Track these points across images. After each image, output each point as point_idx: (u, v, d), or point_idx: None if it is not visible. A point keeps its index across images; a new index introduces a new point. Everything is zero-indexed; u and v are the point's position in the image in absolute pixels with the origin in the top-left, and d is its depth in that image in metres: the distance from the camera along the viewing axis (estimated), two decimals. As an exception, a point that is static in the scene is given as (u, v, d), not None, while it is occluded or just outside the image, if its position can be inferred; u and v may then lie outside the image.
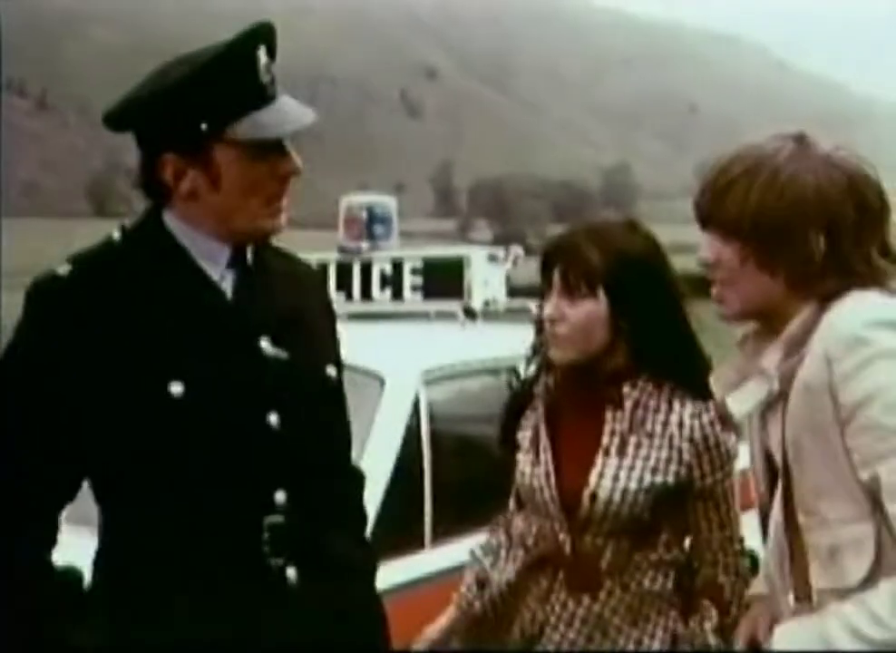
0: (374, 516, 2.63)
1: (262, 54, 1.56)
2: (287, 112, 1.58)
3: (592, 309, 1.89)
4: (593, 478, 1.88)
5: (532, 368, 2.07)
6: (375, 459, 2.72)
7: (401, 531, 2.72)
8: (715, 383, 1.60)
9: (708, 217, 1.52)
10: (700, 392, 1.87)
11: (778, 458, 1.51)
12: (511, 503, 2.13)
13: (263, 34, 1.57)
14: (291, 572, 1.56)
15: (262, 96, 1.55)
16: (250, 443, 1.55)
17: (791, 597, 1.50)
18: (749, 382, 1.54)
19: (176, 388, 1.50)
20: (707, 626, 1.91)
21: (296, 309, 1.67)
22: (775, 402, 1.50)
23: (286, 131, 1.57)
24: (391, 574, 2.50)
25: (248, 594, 1.53)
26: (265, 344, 1.59)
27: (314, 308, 1.74)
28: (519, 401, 2.07)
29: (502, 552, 2.07)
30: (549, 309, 1.91)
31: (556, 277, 1.91)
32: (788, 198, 1.45)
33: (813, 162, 1.47)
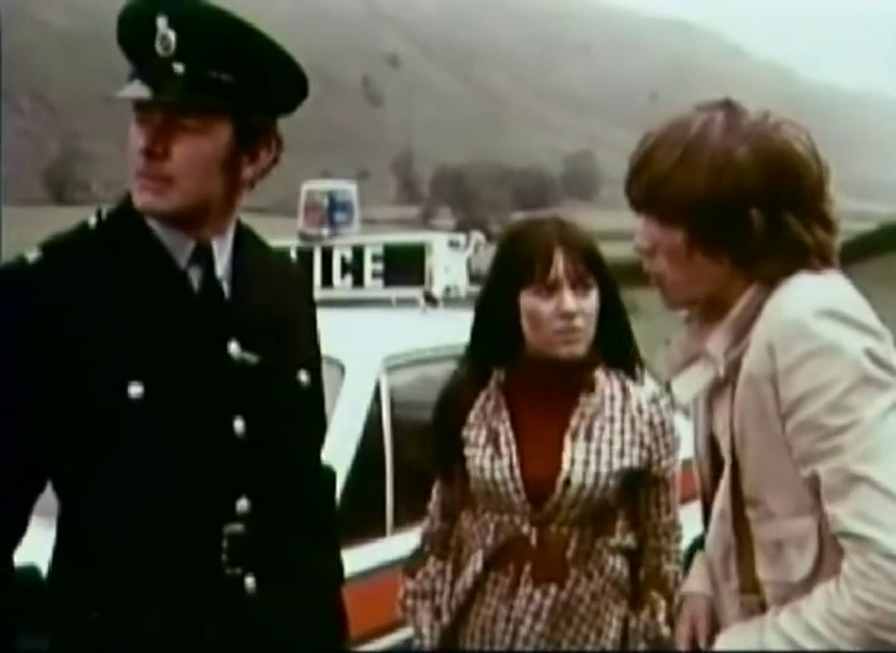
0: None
1: (162, 24, 1.46)
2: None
3: (595, 301, 1.91)
4: (566, 464, 1.88)
5: (468, 367, 2.02)
6: (337, 446, 2.71)
7: (362, 517, 2.72)
8: (663, 363, 1.55)
9: (645, 203, 1.45)
10: (635, 375, 1.98)
11: (724, 446, 1.47)
12: (437, 518, 2.08)
13: (162, 3, 1.47)
14: (249, 582, 1.53)
15: (150, 65, 1.47)
16: (213, 449, 1.51)
17: (735, 587, 1.48)
18: (694, 365, 1.49)
19: (135, 389, 1.46)
20: (660, 618, 1.94)
21: (273, 311, 1.61)
22: (723, 387, 1.46)
23: (122, 95, 1.48)
24: (352, 561, 2.49)
25: (204, 603, 1.50)
26: (234, 347, 1.53)
27: (293, 309, 1.68)
28: (462, 402, 2.00)
29: (447, 574, 2.03)
30: (569, 304, 1.87)
31: (564, 269, 1.87)
32: (726, 178, 1.39)
33: (744, 135, 1.40)
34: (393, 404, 2.94)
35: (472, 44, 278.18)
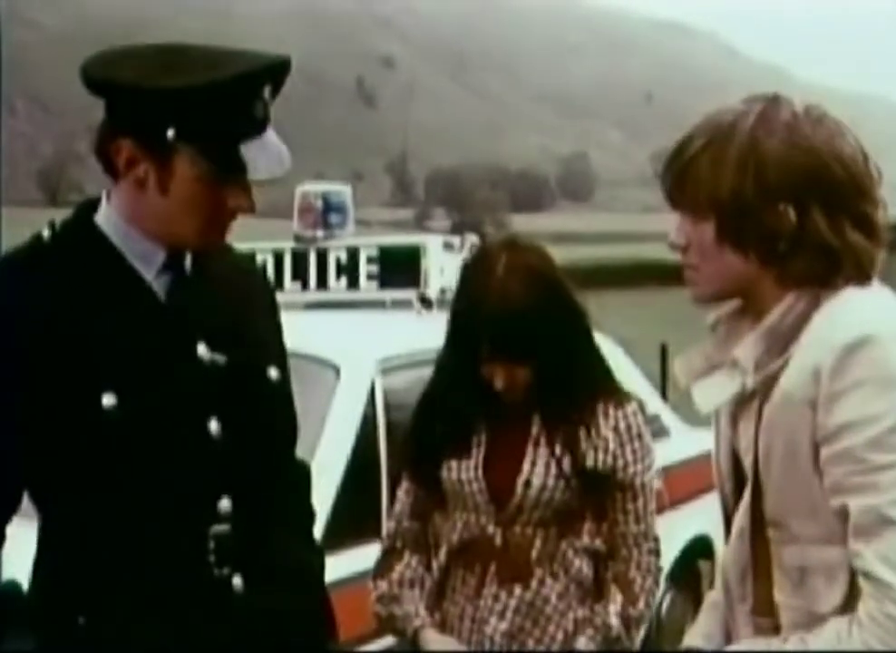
0: (330, 505, 2.63)
1: (266, 91, 1.49)
2: (262, 156, 1.50)
3: (533, 367, 1.92)
4: (526, 466, 1.92)
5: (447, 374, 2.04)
6: (331, 448, 2.72)
7: (357, 520, 2.72)
8: (680, 368, 1.46)
9: (676, 197, 1.40)
10: (618, 393, 2.00)
11: (747, 463, 1.41)
12: (405, 518, 2.07)
13: (276, 71, 1.50)
14: (237, 581, 1.53)
15: (246, 130, 1.48)
16: (191, 452, 1.51)
17: (749, 608, 1.43)
18: (718, 372, 1.41)
19: (108, 400, 1.45)
20: (611, 608, 1.93)
21: (236, 310, 1.61)
22: (749, 400, 1.39)
23: (252, 174, 1.49)
24: (347, 564, 2.50)
25: (193, 605, 1.50)
26: (202, 348, 1.53)
27: (256, 307, 1.69)
28: (447, 415, 2.01)
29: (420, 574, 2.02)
30: (500, 383, 1.92)
31: (490, 350, 1.89)
32: (751, 170, 1.33)
33: (775, 128, 1.34)
34: (387, 406, 2.94)
35: (466, 46, 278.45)
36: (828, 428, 1.29)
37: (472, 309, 1.93)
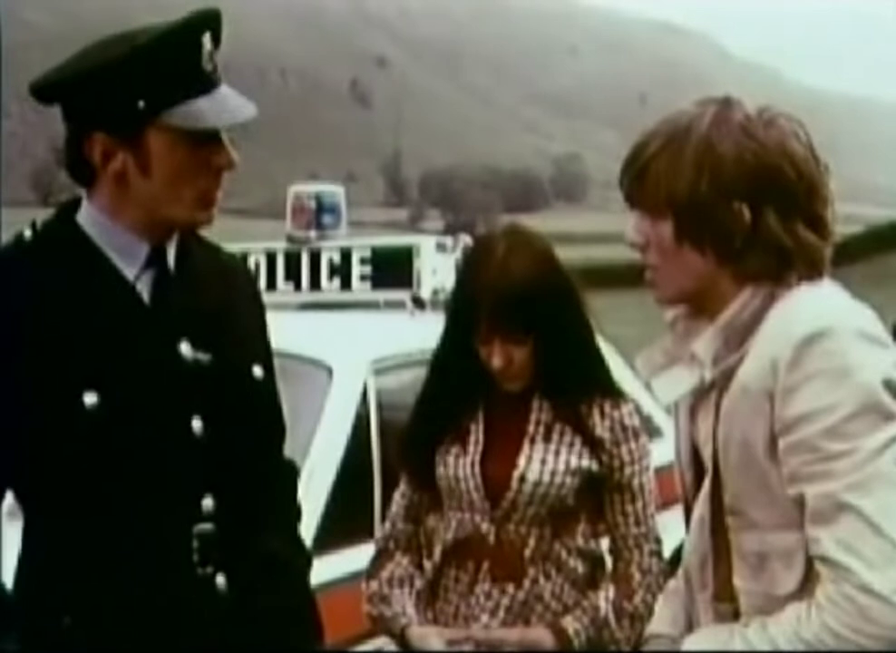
0: (323, 506, 2.64)
1: (207, 41, 1.50)
2: (227, 103, 1.52)
3: (530, 348, 1.92)
4: (522, 461, 1.92)
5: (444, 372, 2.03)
6: (324, 449, 2.72)
7: (350, 520, 2.72)
8: (642, 365, 1.50)
9: (635, 196, 1.43)
10: (617, 392, 1.99)
11: (706, 453, 1.44)
12: (399, 520, 2.07)
13: (209, 20, 1.52)
14: (220, 580, 1.54)
15: (202, 83, 1.49)
16: (174, 450, 1.51)
17: (709, 595, 1.46)
18: (678, 366, 1.44)
19: (90, 398, 1.45)
20: (601, 594, 1.94)
21: (220, 308, 1.61)
22: (707, 394, 1.42)
23: (223, 121, 1.51)
24: (339, 564, 2.50)
25: (176, 604, 1.50)
26: (185, 347, 1.53)
27: (241, 305, 1.68)
28: (444, 417, 2.00)
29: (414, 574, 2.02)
30: (496, 362, 1.91)
31: (489, 331, 1.89)
32: (706, 170, 1.37)
33: (729, 130, 1.37)
34: (380, 407, 2.94)
35: (460, 46, 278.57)
36: (785, 419, 1.32)
37: (470, 286, 1.94)
